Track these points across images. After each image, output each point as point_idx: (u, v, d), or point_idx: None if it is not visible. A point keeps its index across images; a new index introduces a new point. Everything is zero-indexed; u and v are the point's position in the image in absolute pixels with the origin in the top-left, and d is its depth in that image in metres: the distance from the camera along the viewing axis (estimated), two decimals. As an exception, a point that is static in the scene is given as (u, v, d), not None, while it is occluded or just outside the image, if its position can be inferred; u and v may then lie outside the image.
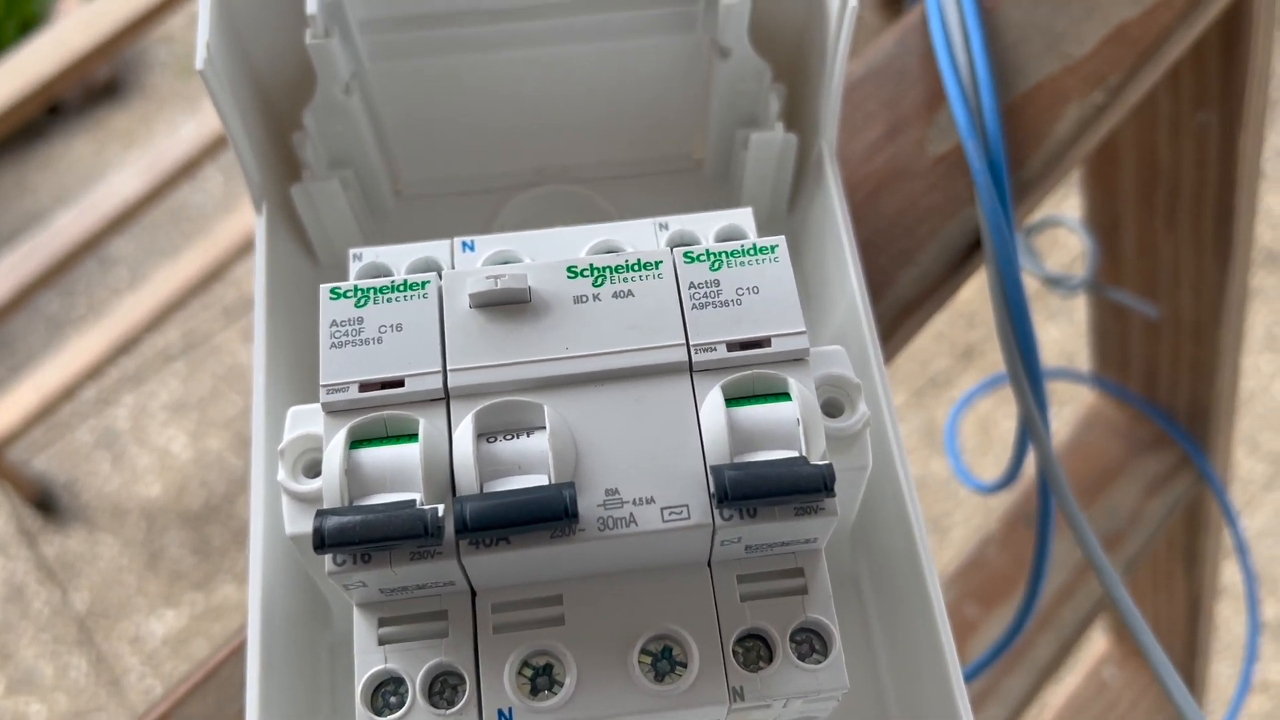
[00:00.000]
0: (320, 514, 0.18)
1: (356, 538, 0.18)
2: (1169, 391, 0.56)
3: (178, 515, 1.22)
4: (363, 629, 0.20)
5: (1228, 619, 1.16)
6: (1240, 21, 0.38)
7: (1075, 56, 0.34)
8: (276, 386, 0.25)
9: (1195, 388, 0.55)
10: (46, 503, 1.22)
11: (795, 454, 0.19)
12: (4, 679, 1.13)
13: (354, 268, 0.23)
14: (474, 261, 0.23)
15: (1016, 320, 0.31)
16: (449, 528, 0.19)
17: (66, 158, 1.55)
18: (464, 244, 0.24)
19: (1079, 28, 0.35)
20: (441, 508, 0.19)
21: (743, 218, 0.24)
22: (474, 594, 0.20)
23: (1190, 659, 0.73)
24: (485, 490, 0.19)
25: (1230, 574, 1.27)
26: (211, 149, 1.08)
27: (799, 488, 0.18)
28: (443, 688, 0.20)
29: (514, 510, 0.18)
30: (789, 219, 0.31)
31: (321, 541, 0.18)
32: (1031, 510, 0.58)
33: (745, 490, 0.18)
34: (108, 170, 1.46)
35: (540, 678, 0.20)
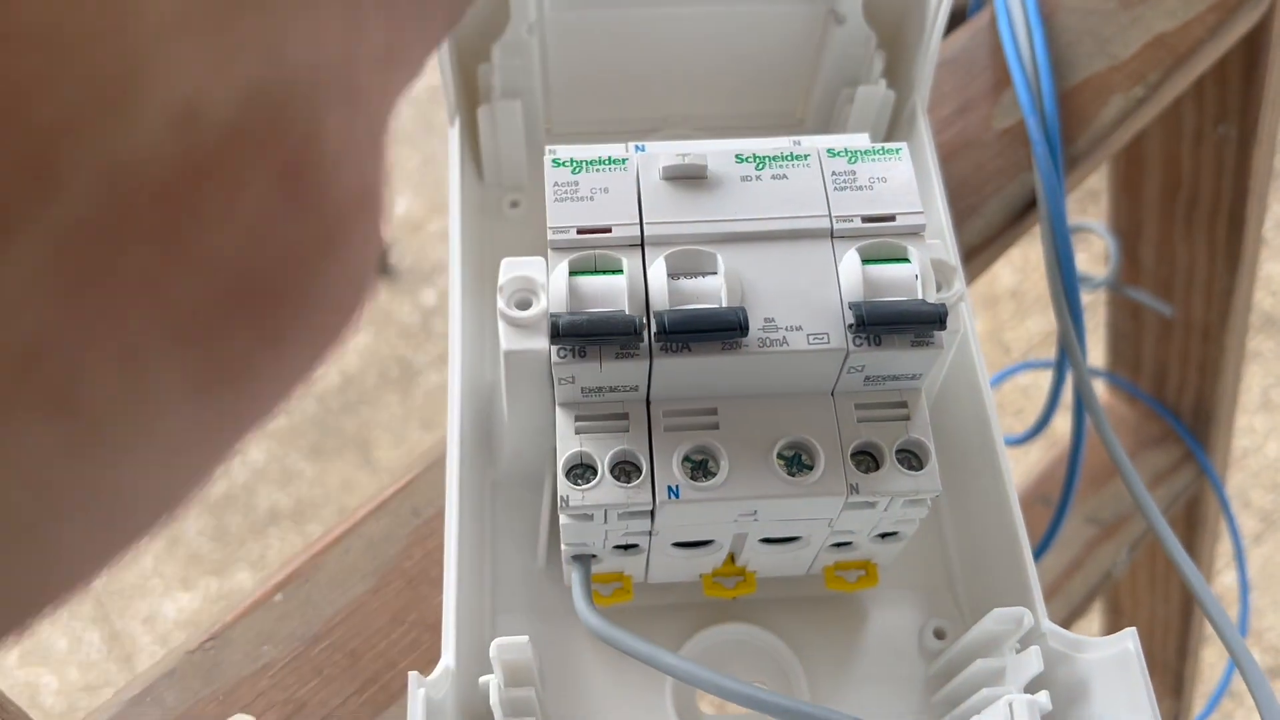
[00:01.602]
0: (554, 315, 0.24)
1: (583, 330, 0.24)
2: (1176, 391, 0.62)
3: (197, 501, 1.26)
4: (564, 422, 0.26)
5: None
6: (1261, 43, 0.44)
7: (1120, 58, 0.41)
8: (467, 283, 0.31)
9: (1201, 388, 0.60)
10: None
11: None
12: (18, 649, 1.16)
13: (547, 161, 0.29)
14: (647, 160, 0.29)
15: (1065, 268, 0.37)
16: (649, 334, 0.24)
17: None
18: (636, 147, 0.29)
19: (1124, 34, 0.41)
20: (643, 317, 0.24)
21: (859, 141, 0.30)
22: (649, 404, 0.26)
23: (1182, 660, 0.78)
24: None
25: (1225, 582, 1.31)
26: None
27: (919, 318, 0.24)
28: (622, 472, 0.26)
29: (701, 319, 0.24)
30: (877, 170, 0.37)
31: (557, 332, 0.24)
32: (1048, 491, 0.64)
33: (879, 317, 0.24)
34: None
35: (698, 470, 0.26)
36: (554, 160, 0.27)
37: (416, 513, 0.31)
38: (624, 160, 0.27)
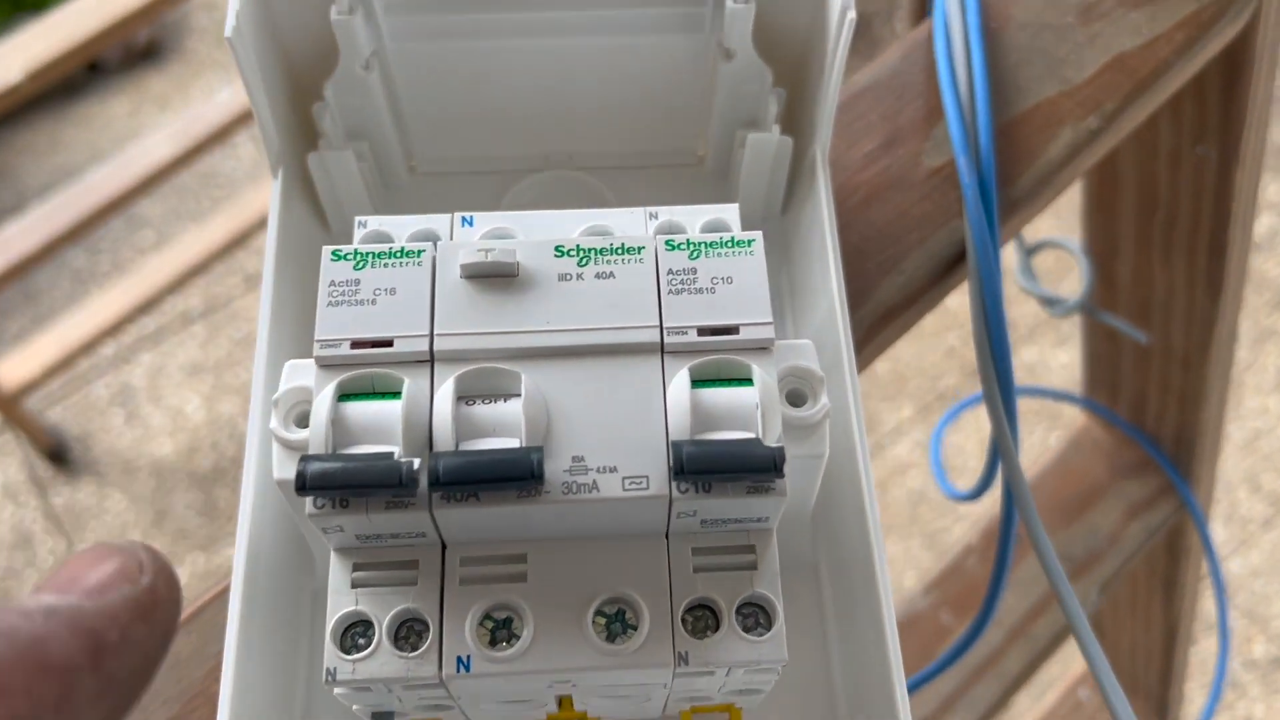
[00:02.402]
0: (304, 459, 0.20)
1: (336, 482, 0.19)
2: (1156, 419, 0.57)
3: (187, 475, 1.24)
4: (338, 571, 0.22)
5: (1214, 653, 1.16)
6: (1242, 60, 0.39)
7: (1073, 81, 0.36)
8: (279, 342, 0.26)
9: (1182, 417, 0.56)
10: (59, 454, 1.24)
11: (752, 436, 0.21)
12: None
13: (358, 234, 0.25)
14: (472, 236, 0.25)
15: (993, 332, 0.32)
16: (423, 481, 0.20)
17: (102, 116, 1.57)
18: (464, 219, 0.25)
19: (1080, 54, 0.36)
20: (418, 461, 0.20)
21: (729, 213, 0.25)
22: (444, 547, 0.22)
23: (1165, 687, 0.74)
24: (460, 449, 0.21)
25: (1216, 612, 1.27)
26: (245, 117, 1.10)
27: (750, 466, 0.20)
28: (408, 633, 0.22)
29: (484, 468, 0.20)
30: (782, 219, 0.32)
31: (303, 484, 0.20)
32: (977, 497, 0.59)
33: (700, 465, 0.20)
34: (142, 131, 1.48)
35: (500, 630, 0.21)
36: (333, 254, 0.22)
37: (226, 630, 0.27)
38: (418, 254, 0.22)
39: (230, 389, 1.28)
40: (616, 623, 0.22)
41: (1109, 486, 0.59)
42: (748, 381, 0.21)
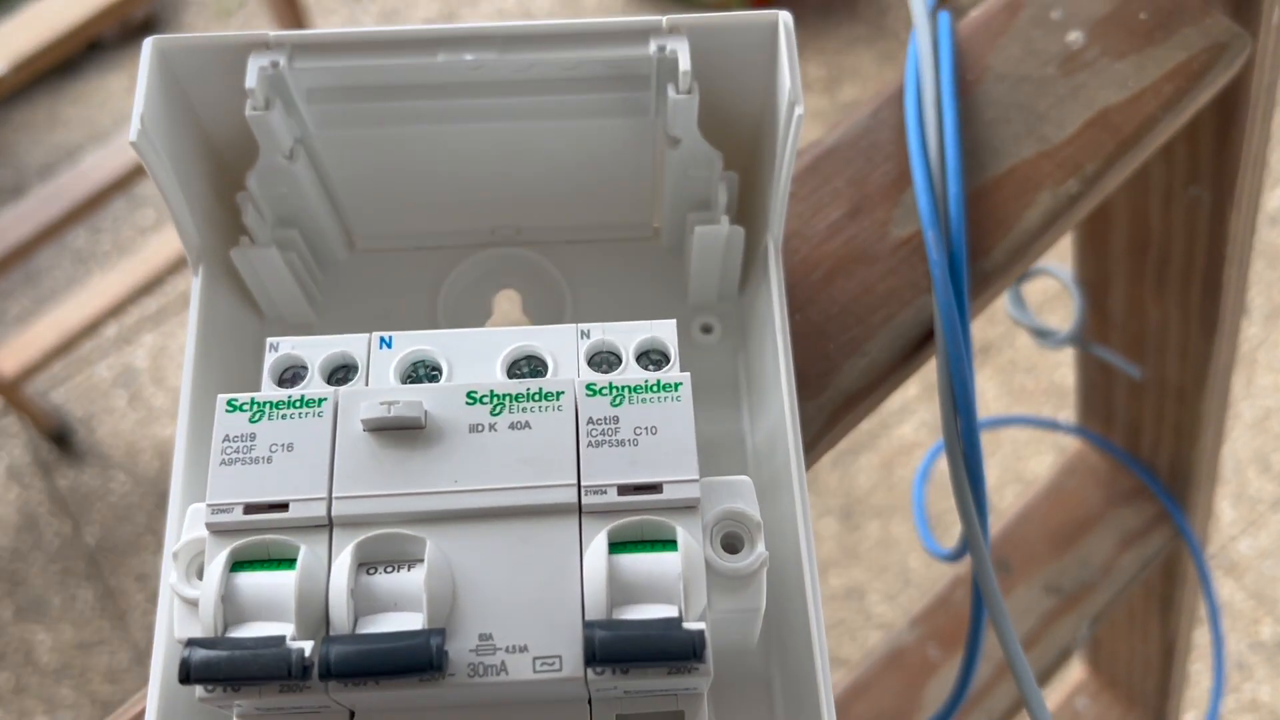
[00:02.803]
0: (190, 644, 0.19)
1: (221, 674, 0.18)
2: (1151, 449, 0.55)
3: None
4: (238, 744, 0.20)
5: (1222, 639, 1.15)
6: (1235, 104, 0.37)
7: (1054, 140, 0.34)
8: (197, 474, 0.25)
9: (1177, 449, 0.54)
10: (63, 436, 1.24)
11: (674, 610, 0.19)
12: (13, 605, 1.16)
13: (268, 359, 0.23)
14: (390, 360, 0.23)
15: (962, 415, 0.31)
16: (316, 667, 0.19)
17: (101, 93, 1.55)
18: (382, 339, 0.23)
19: (1061, 109, 0.34)
20: (310, 646, 0.19)
21: (665, 331, 0.23)
22: (352, 715, 0.20)
23: (1163, 699, 0.73)
24: (360, 626, 0.19)
25: (1224, 593, 1.26)
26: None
27: (668, 654, 0.18)
28: (314, 807, 0.20)
29: (379, 659, 0.18)
30: (740, 298, 0.31)
31: (187, 675, 0.18)
32: (1003, 556, 0.58)
33: (613, 654, 0.18)
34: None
35: (413, 802, 0.20)
36: (229, 404, 0.21)
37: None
38: (319, 403, 0.21)
39: None
40: (535, 797, 0.20)
41: (1103, 514, 0.58)
42: (671, 545, 0.20)
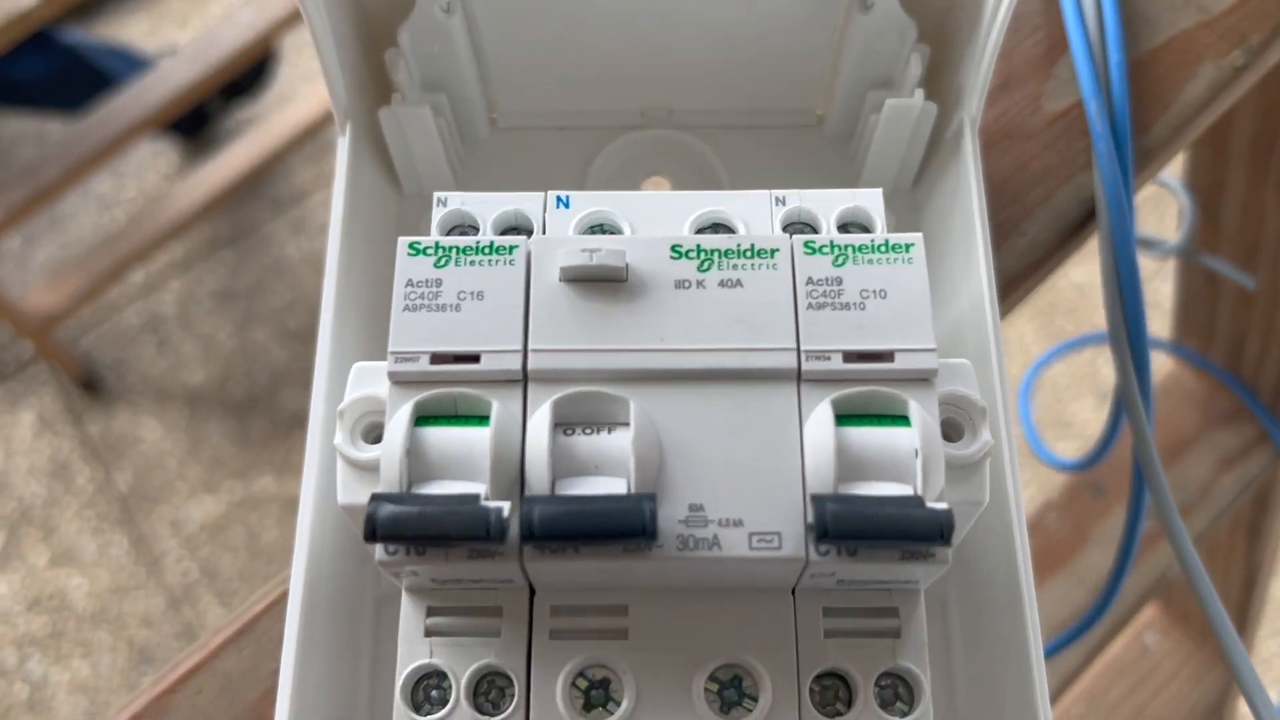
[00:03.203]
0: (375, 498, 0.17)
1: (411, 532, 0.16)
2: (1254, 365, 0.53)
3: (220, 403, 1.24)
4: (410, 616, 0.19)
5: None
6: None
7: (1214, 10, 0.31)
8: (345, 331, 0.23)
9: (1284, 364, 0.51)
10: (93, 383, 1.24)
11: (909, 490, 0.17)
12: (48, 551, 1.17)
13: (436, 213, 0.21)
14: (568, 220, 0.21)
15: (1129, 303, 0.28)
16: (513, 529, 0.17)
17: (121, 36, 1.54)
18: (559, 199, 0.21)
19: (1223, -23, 0.31)
20: (507, 507, 0.17)
21: (871, 201, 0.21)
22: (533, 592, 0.19)
23: (1240, 629, 0.70)
24: (558, 489, 0.17)
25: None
26: (268, 35, 1.05)
27: (910, 533, 0.16)
28: (489, 688, 0.19)
29: (586, 521, 0.16)
30: (912, 192, 0.28)
31: (373, 532, 0.16)
32: (1097, 479, 0.55)
33: (848, 529, 0.16)
34: (161, 52, 1.44)
35: (595, 691, 0.18)
36: (410, 247, 0.19)
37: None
38: (510, 250, 0.19)
39: (261, 316, 1.26)
40: (732, 689, 0.18)
41: (1200, 436, 0.55)
42: (903, 420, 0.18)
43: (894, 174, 0.28)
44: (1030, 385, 0.63)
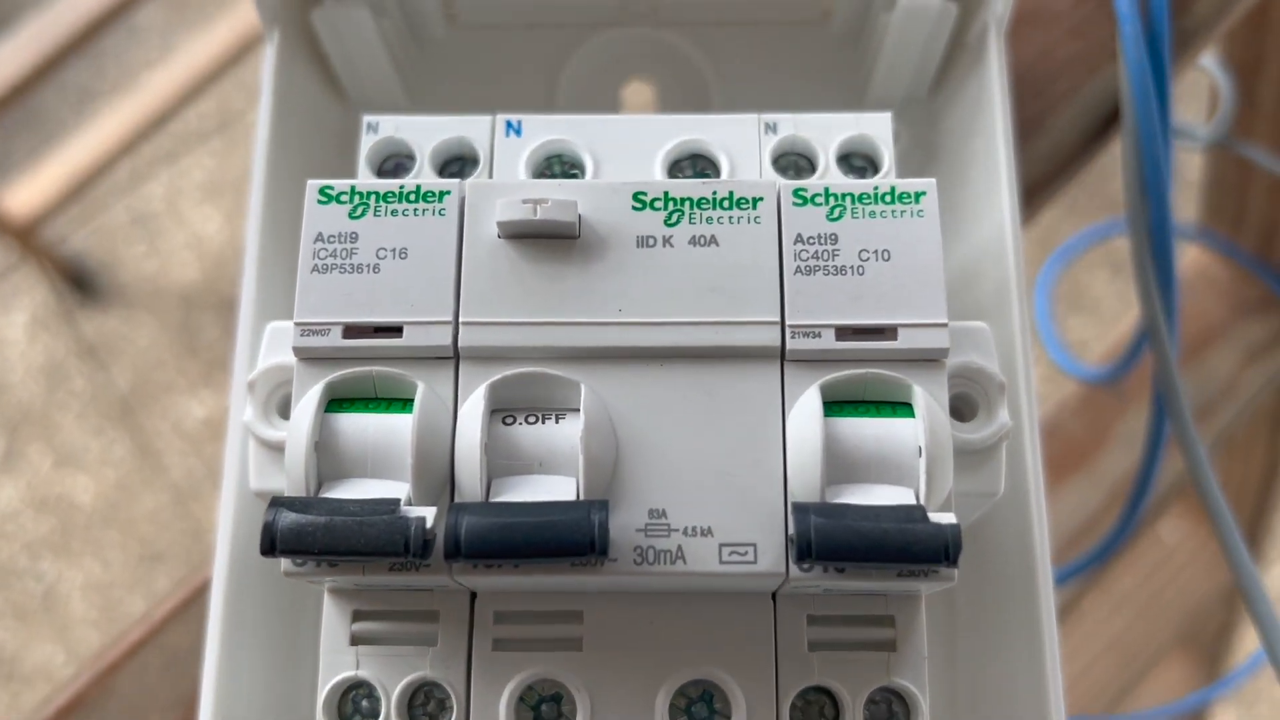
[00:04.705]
0: (275, 504, 0.14)
1: (317, 547, 0.14)
2: None
3: (215, 299, 1.21)
4: (332, 621, 0.16)
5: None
6: None
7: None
8: (272, 278, 0.20)
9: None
10: (84, 281, 1.21)
11: (910, 495, 0.14)
12: (51, 454, 1.16)
13: (365, 142, 0.18)
14: (519, 150, 0.18)
15: (1155, 211, 0.25)
16: (440, 539, 0.14)
17: None
18: (509, 124, 0.18)
19: None
20: (431, 515, 0.14)
21: (878, 127, 0.18)
22: (473, 595, 0.16)
23: (1255, 527, 0.69)
24: (493, 490, 0.15)
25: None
26: None
27: (909, 554, 0.14)
28: (425, 699, 0.16)
29: (523, 536, 0.14)
30: (929, 102, 0.25)
31: (271, 545, 0.14)
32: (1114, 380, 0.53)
33: (834, 548, 0.14)
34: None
35: (545, 705, 0.16)
36: (321, 193, 0.16)
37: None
38: (440, 196, 0.16)
39: None
40: (700, 704, 0.16)
41: (1226, 328, 0.52)
42: (905, 409, 0.15)
43: (907, 82, 0.24)
44: (1050, 281, 0.60)
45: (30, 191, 1.07)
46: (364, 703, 0.16)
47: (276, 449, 0.17)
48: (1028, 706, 0.19)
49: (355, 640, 0.16)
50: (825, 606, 0.16)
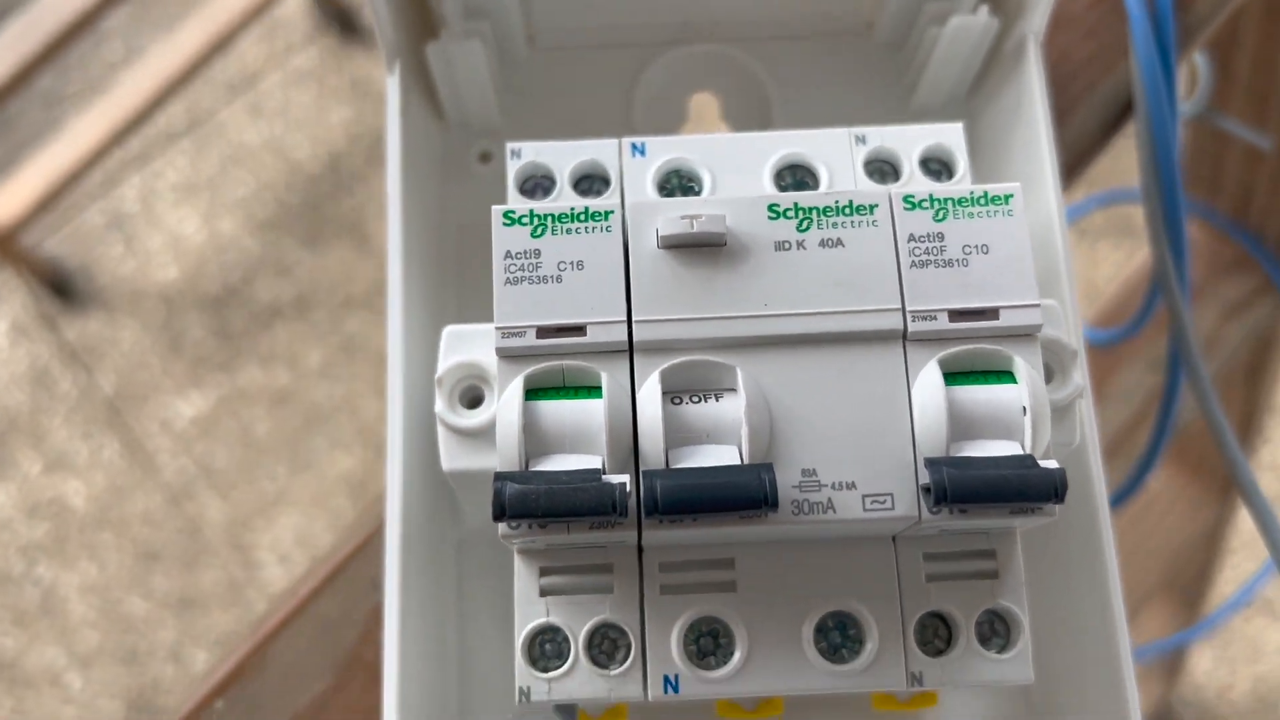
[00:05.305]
0: (500, 478, 0.17)
1: (539, 510, 0.17)
2: (1260, 216, 0.53)
3: (195, 298, 1.21)
4: (524, 578, 0.19)
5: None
6: None
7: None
8: (413, 284, 0.23)
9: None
10: (63, 286, 1.21)
11: (1017, 447, 0.18)
12: (40, 459, 1.16)
13: (511, 165, 0.21)
14: (645, 168, 0.21)
15: (1166, 184, 0.28)
16: (637, 496, 0.17)
17: None
18: (633, 146, 0.21)
19: None
20: (628, 480, 0.17)
21: (951, 137, 0.21)
22: (641, 550, 0.19)
23: (1234, 469, 0.73)
24: (671, 459, 0.18)
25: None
26: None
27: (1027, 494, 0.17)
28: (601, 639, 0.19)
29: (708, 494, 0.17)
30: (967, 103, 0.28)
31: (502, 511, 0.17)
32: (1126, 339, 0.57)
33: (966, 493, 0.17)
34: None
35: (705, 639, 0.19)
36: (505, 216, 0.19)
37: (376, 585, 0.25)
38: (606, 216, 0.19)
39: (227, 205, 1.22)
40: (837, 632, 0.19)
41: (1204, 286, 0.56)
42: (1007, 376, 0.18)
43: (948, 88, 0.27)
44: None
45: (6, 199, 1.07)
46: (548, 646, 0.19)
47: (463, 434, 0.19)
48: (1096, 639, 0.22)
49: (544, 592, 0.19)
50: (938, 545, 0.19)
